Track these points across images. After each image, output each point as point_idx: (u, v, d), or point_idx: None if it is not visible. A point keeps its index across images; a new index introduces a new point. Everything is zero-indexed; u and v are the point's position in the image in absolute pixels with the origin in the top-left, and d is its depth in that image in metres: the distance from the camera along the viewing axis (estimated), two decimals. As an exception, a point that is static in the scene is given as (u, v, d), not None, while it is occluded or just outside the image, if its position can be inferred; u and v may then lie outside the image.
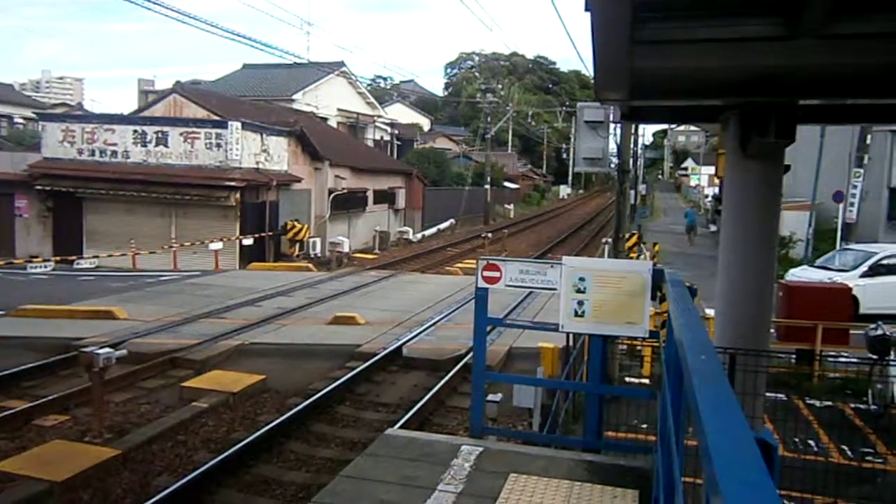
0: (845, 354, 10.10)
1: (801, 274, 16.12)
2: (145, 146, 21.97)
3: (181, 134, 21.72)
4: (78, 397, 8.35)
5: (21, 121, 43.22)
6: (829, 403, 8.93)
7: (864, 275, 14.96)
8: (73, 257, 20.84)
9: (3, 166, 23.11)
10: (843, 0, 3.38)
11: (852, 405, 8.89)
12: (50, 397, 8.27)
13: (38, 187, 22.42)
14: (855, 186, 20.99)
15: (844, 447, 7.41)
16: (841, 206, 20.82)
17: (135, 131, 22.12)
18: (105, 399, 7.78)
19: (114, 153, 22.20)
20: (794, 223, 22.01)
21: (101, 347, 7.71)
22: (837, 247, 19.46)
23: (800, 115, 4.90)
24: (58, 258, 20.50)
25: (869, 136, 21.19)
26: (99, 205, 22.61)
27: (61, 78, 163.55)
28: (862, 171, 21.03)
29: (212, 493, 6.23)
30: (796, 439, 7.38)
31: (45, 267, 19.74)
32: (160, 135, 21.85)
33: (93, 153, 22.38)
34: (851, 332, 10.26)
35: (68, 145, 22.55)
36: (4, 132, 40.56)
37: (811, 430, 7.90)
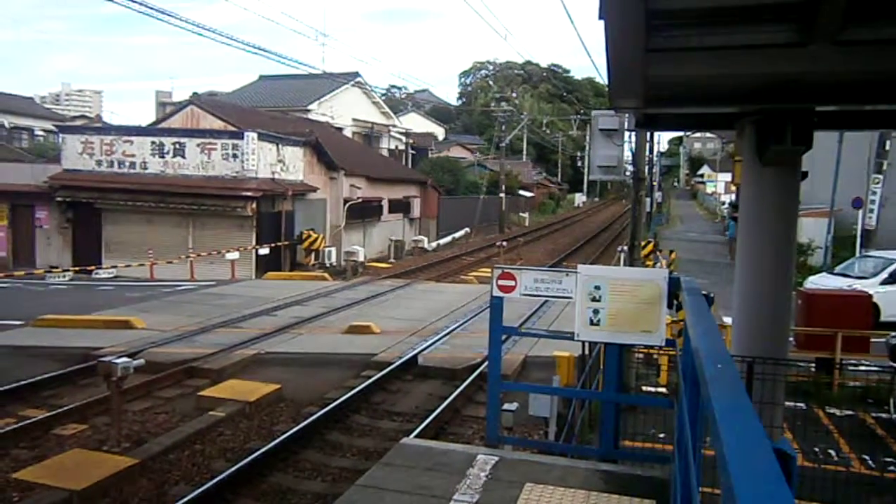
0: (866, 363, 9.96)
1: (819, 281, 15.93)
2: (163, 157, 22.19)
3: (198, 145, 21.93)
4: (96, 406, 8.42)
5: (41, 133, 43.86)
6: (850, 412, 8.81)
7: (884, 282, 14.77)
8: (92, 267, 21.06)
9: (23, 178, 23.45)
10: (857, 6, 3.36)
11: (873, 414, 8.76)
12: (69, 406, 8.34)
13: (58, 199, 22.71)
14: (874, 192, 20.73)
15: (865, 457, 7.30)
16: (860, 212, 20.56)
17: (153, 142, 22.37)
18: (123, 408, 7.85)
19: (132, 164, 22.45)
20: (812, 230, 21.78)
21: (119, 357, 7.78)
22: (857, 254, 19.21)
23: (816, 122, 4.86)
24: (77, 268, 20.73)
25: (888, 142, 20.94)
26: (117, 215, 22.85)
27: (80, 90, 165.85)
28: (881, 176, 20.76)
29: (228, 502, 6.26)
30: (816, 449, 7.28)
31: (65, 277, 19.97)
32: (177, 146, 22.08)
33: (111, 164, 22.65)
34: (872, 339, 10.12)
35: (87, 157, 22.83)
36: (25, 144, 41.15)
37: (832, 439, 7.79)
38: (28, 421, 7.86)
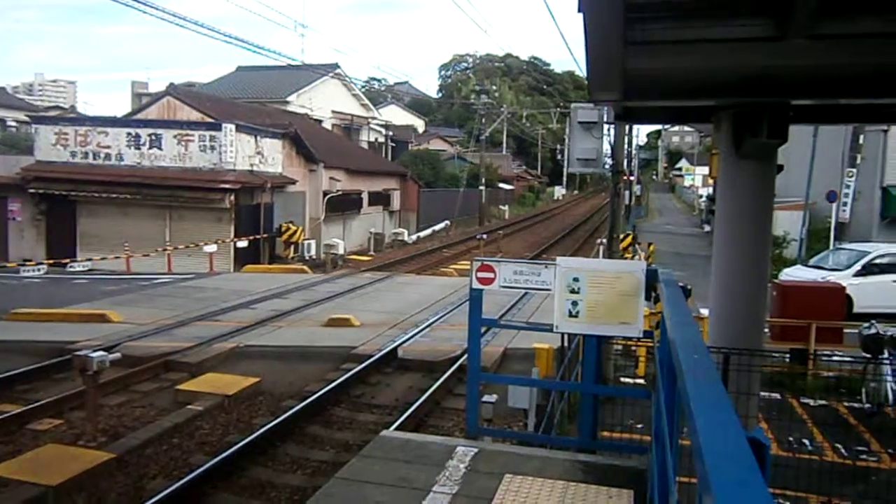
0: (839, 353, 10.13)
1: (794, 273, 16.16)
2: (139, 149, 21.91)
3: (175, 136, 21.67)
4: (72, 401, 8.31)
5: (14, 124, 43.06)
6: (824, 402, 8.96)
7: (857, 274, 15.01)
8: (67, 260, 20.76)
9: (-5, 169, 23.03)
10: (830, 1, 3.40)
11: (846, 404, 8.92)
12: (44, 401, 8.22)
13: (32, 190, 22.33)
14: (848, 186, 21.07)
15: (839, 446, 7.44)
16: (834, 205, 20.88)
17: (128, 134, 22.07)
18: (99, 402, 7.76)
19: (107, 156, 22.14)
20: (787, 223, 22.07)
21: (94, 351, 7.68)
22: (831, 246, 19.51)
23: (792, 116, 4.93)
24: (51, 261, 20.42)
25: (862, 136, 21.28)
26: (92, 208, 22.54)
27: (54, 81, 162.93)
28: (855, 170, 21.11)
29: (207, 495, 6.21)
30: (791, 438, 7.40)
31: (39, 270, 19.66)
32: (154, 137, 21.80)
33: (86, 156, 22.32)
34: (845, 331, 10.29)
35: (61, 148, 22.48)
36: (-3, 135, 40.40)
37: (805, 429, 7.92)
38: (2, 416, 7.73)
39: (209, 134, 21.39)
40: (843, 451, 7.34)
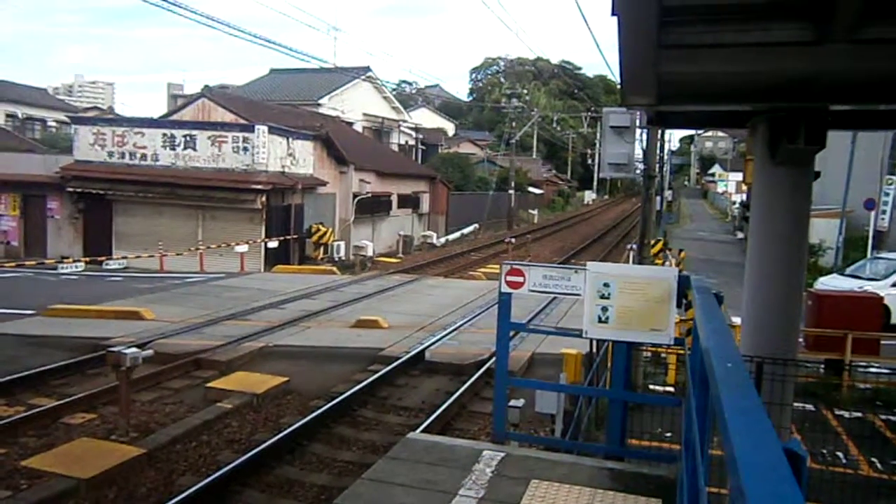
0: (875, 365, 9.90)
1: (830, 282, 15.83)
2: (174, 149, 22.26)
3: (209, 137, 21.97)
4: (105, 396, 8.47)
5: (54, 124, 44.12)
6: (859, 414, 8.76)
7: (895, 284, 14.66)
8: (103, 258, 21.16)
9: (35, 169, 23.57)
10: (874, 4, 3.32)
11: (882, 416, 8.70)
12: (78, 396, 8.39)
13: (70, 189, 22.82)
14: (887, 193, 20.59)
15: (874, 459, 7.26)
16: (872, 213, 20.43)
17: (164, 135, 22.42)
18: (131, 398, 7.88)
19: (143, 156, 22.53)
20: (824, 231, 21.65)
21: (128, 347, 7.81)
22: (868, 255, 19.08)
23: (830, 121, 4.83)
24: (87, 259, 20.83)
25: (901, 143, 20.78)
26: (128, 207, 22.95)
27: (93, 82, 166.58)
28: (894, 177, 20.63)
29: (235, 493, 6.27)
30: (824, 451, 7.24)
31: (76, 267, 20.07)
32: (188, 138, 22.13)
33: (123, 156, 22.73)
34: (882, 342, 10.06)
35: (99, 148, 22.93)
36: (38, 135, 41.37)
37: (840, 441, 7.75)
38: (37, 409, 7.91)
39: (242, 135, 21.66)
40: (878, 465, 7.16)
